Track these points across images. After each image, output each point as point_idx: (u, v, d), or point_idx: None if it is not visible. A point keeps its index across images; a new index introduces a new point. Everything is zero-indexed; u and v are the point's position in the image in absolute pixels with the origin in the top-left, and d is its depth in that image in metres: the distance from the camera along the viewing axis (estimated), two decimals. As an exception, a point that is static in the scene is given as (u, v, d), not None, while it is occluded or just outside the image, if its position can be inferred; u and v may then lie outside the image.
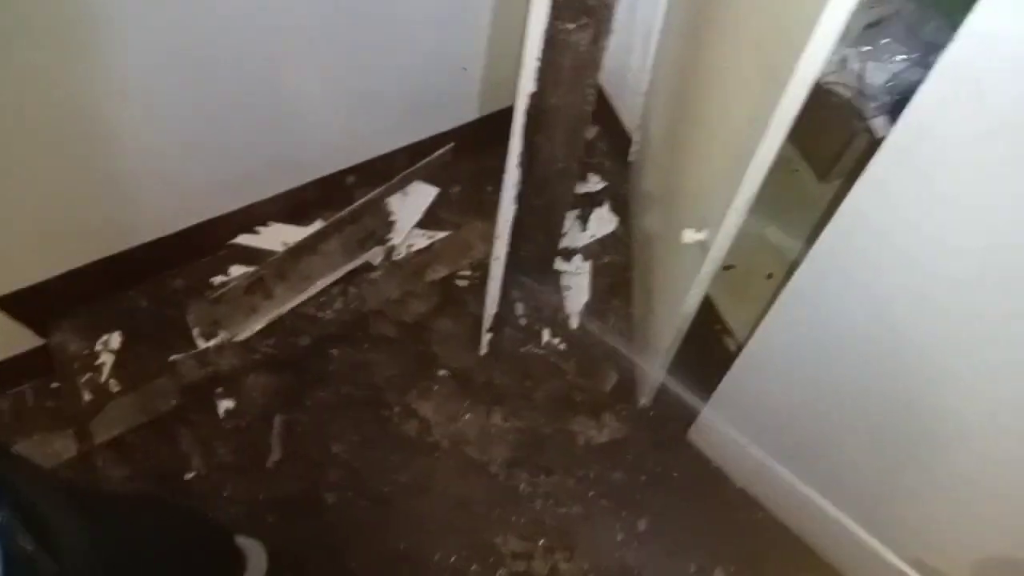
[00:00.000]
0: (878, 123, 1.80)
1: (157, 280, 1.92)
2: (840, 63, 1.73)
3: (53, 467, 1.73)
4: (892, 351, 1.05)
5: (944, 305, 0.92)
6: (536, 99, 1.38)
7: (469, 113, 2.00)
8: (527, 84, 1.34)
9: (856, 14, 0.73)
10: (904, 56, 1.76)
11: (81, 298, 1.87)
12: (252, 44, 1.52)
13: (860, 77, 1.71)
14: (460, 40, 1.78)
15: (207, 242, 1.92)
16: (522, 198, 1.55)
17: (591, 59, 1.38)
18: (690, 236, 1.15)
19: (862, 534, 1.43)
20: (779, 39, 0.85)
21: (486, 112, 2.02)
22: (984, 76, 0.67)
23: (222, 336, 1.81)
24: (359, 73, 1.72)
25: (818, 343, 1.18)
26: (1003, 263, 0.80)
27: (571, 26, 1.32)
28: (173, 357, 1.80)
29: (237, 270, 1.91)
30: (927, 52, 1.76)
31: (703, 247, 1.15)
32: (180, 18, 1.40)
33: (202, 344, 1.81)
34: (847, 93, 1.73)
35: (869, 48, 1.73)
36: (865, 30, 1.74)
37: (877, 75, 1.75)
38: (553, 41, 1.32)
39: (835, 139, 1.82)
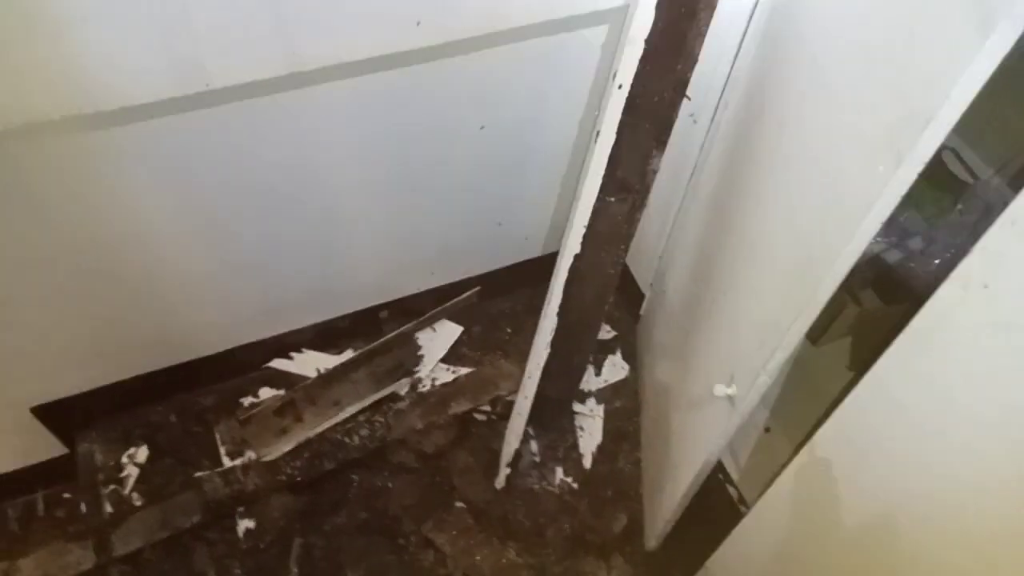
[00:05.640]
0: (864, 295, 2.04)
1: (187, 397, 1.99)
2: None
3: (67, 578, 1.73)
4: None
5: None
6: (577, 259, 1.56)
7: (496, 262, 2.18)
8: (573, 246, 1.52)
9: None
10: (882, 239, 2.03)
11: (111, 410, 1.93)
12: (311, 187, 1.66)
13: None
14: (495, 203, 1.98)
15: (241, 364, 2.01)
16: (553, 343, 1.70)
17: (626, 228, 1.58)
18: (720, 390, 1.29)
19: None
20: (818, 235, 1.04)
21: (509, 263, 2.21)
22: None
23: (249, 455, 1.87)
24: (405, 223, 1.89)
25: (823, 514, 1.29)
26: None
27: (612, 199, 1.52)
28: (198, 474, 1.85)
29: (267, 392, 2.00)
30: (902, 237, 2.03)
31: (731, 400, 1.29)
32: (250, 156, 1.49)
33: (228, 462, 1.87)
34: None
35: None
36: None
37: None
38: (596, 211, 1.52)
39: (827, 308, 2.03)
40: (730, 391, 1.29)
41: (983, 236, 0.83)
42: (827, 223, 1.00)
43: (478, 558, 1.81)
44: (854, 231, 0.93)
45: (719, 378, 1.32)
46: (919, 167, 0.82)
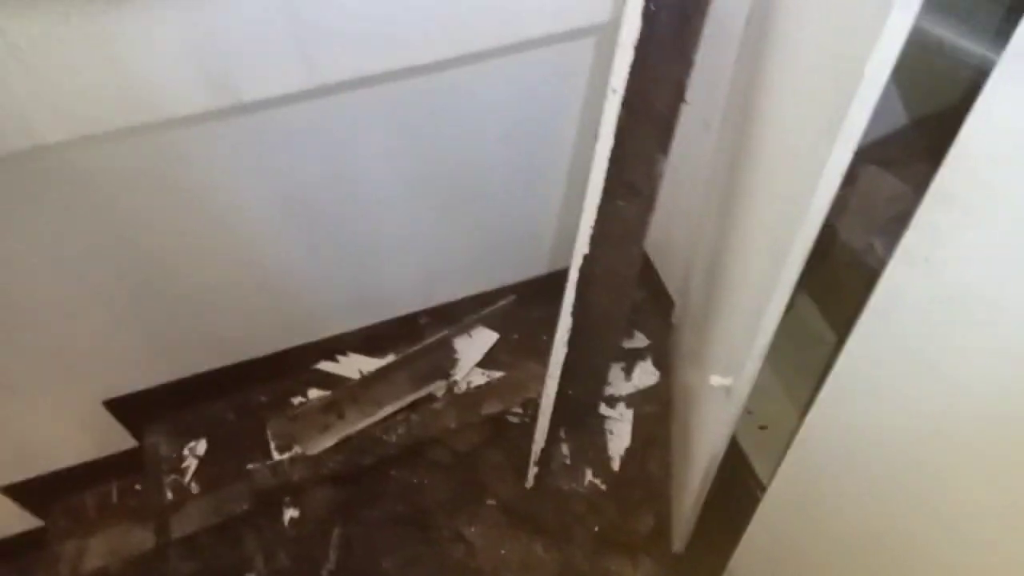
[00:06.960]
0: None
1: (243, 394, 2.15)
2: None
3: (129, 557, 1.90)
4: (895, 487, 1.18)
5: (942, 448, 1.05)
6: (588, 260, 1.63)
7: (531, 270, 2.27)
8: (582, 247, 1.59)
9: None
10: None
11: (176, 405, 2.11)
12: (346, 197, 1.77)
13: (874, 249, 1.92)
14: (530, 210, 2.07)
15: (292, 365, 2.16)
16: (573, 344, 1.76)
17: (637, 230, 1.64)
18: (717, 380, 1.33)
19: None
20: (785, 224, 1.08)
21: (546, 271, 2.29)
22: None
23: (295, 450, 2.01)
24: (442, 232, 2.00)
25: (829, 486, 1.31)
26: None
27: (621, 202, 1.59)
28: (250, 466, 2.00)
29: (315, 392, 2.14)
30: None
31: (728, 391, 1.33)
32: (296, 168, 1.64)
33: (277, 456, 2.01)
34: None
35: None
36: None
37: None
38: (607, 213, 1.58)
39: (850, 301, 2.01)
40: (726, 381, 1.32)
41: (918, 209, 0.86)
42: (791, 212, 1.04)
43: (506, 552, 1.88)
44: (804, 216, 0.97)
45: (717, 370, 1.36)
46: (851, 146, 0.86)
